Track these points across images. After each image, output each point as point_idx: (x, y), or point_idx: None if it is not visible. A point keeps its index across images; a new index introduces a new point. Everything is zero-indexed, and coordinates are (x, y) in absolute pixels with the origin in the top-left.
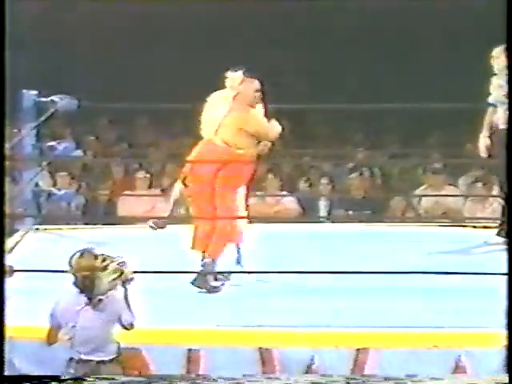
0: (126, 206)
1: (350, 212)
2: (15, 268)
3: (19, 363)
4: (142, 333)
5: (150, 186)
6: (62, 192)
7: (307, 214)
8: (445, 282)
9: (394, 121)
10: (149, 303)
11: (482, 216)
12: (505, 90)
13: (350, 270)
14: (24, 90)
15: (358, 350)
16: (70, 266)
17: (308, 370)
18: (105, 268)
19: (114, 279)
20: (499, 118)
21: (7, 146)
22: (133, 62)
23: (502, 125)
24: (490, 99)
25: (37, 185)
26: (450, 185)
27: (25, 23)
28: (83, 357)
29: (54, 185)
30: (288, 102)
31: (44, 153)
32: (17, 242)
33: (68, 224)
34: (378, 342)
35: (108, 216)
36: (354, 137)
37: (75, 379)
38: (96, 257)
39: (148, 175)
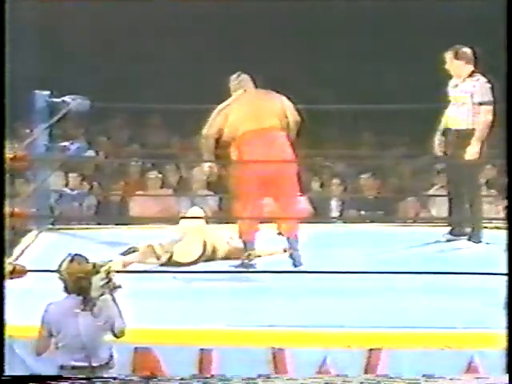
0: (138, 206)
1: (362, 212)
2: (28, 268)
3: (31, 362)
4: (154, 332)
5: (161, 186)
6: (75, 192)
7: (319, 214)
8: (458, 282)
9: (406, 121)
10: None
11: (498, 217)
12: (461, 89)
13: (354, 271)
14: (36, 91)
15: (370, 350)
16: (61, 271)
17: (320, 370)
18: (97, 272)
19: (105, 284)
20: (451, 117)
21: (20, 146)
22: (146, 62)
23: (450, 125)
24: (450, 98)
25: (49, 185)
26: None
27: (38, 24)
28: (76, 363)
29: (67, 185)
30: (300, 102)
31: (57, 153)
32: (30, 243)
33: (80, 224)
34: (390, 343)
35: (120, 216)
36: (366, 137)
37: (77, 379)
38: (87, 261)
39: (160, 175)
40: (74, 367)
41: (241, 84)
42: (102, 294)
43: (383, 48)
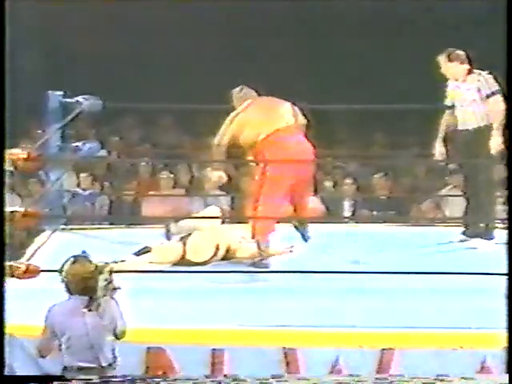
0: (150, 205)
1: (375, 212)
2: (41, 268)
3: (43, 362)
4: (166, 332)
5: (174, 186)
6: (87, 192)
7: (331, 213)
8: (472, 282)
9: (418, 121)
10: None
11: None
12: (465, 88)
13: (366, 271)
14: (49, 91)
15: (382, 350)
16: (64, 273)
17: (333, 370)
18: (100, 272)
19: (107, 284)
20: (458, 119)
21: (33, 146)
22: (158, 61)
23: (461, 125)
24: (447, 101)
25: (62, 185)
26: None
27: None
28: (83, 364)
29: (79, 185)
30: (312, 101)
31: (69, 153)
32: (43, 242)
33: (93, 224)
34: (403, 343)
35: (132, 216)
36: (378, 137)
37: (81, 380)
38: (89, 261)
39: (172, 175)
40: (80, 368)
41: (245, 97)
42: (104, 295)
43: (395, 47)
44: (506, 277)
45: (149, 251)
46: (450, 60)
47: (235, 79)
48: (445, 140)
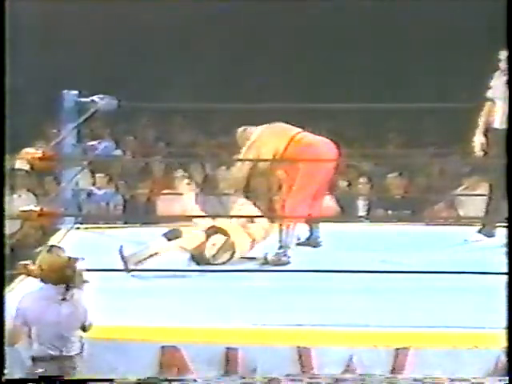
0: (164, 205)
1: (389, 212)
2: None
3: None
4: (180, 331)
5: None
6: (102, 191)
7: (345, 213)
8: (481, 281)
9: (433, 120)
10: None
11: None
12: (503, 87)
13: (379, 270)
14: (65, 91)
15: (397, 349)
16: (39, 261)
17: (347, 369)
18: (74, 263)
19: (78, 276)
20: (496, 115)
21: (49, 145)
22: (170, 61)
23: (497, 124)
24: (488, 94)
25: (77, 184)
26: None
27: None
28: (52, 353)
29: (94, 184)
30: (325, 101)
31: (84, 152)
32: (58, 241)
33: (108, 223)
34: (417, 342)
35: (147, 215)
36: (393, 137)
37: (82, 380)
38: (64, 252)
39: (186, 174)
40: (51, 357)
41: (250, 136)
42: (77, 285)
43: (409, 47)
44: (506, 276)
45: (179, 236)
46: (507, 55)
47: (248, 78)
48: (485, 134)
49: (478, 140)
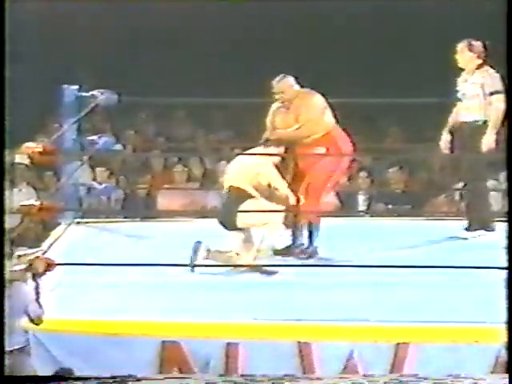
0: (165, 199)
1: (390, 206)
2: (57, 261)
3: (61, 357)
4: (180, 326)
5: (188, 180)
6: (103, 186)
7: (346, 207)
8: (486, 276)
9: (433, 115)
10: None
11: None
12: (471, 82)
13: (380, 265)
14: (65, 85)
15: (397, 344)
16: None
17: (347, 364)
18: (10, 256)
19: (21, 269)
20: (461, 111)
21: (49, 140)
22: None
23: (463, 117)
24: (458, 94)
25: (78, 179)
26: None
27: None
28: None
29: (94, 179)
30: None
31: (85, 147)
32: (58, 236)
33: (108, 218)
34: (417, 337)
35: (147, 209)
36: (393, 131)
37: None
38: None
39: (186, 169)
40: None
41: (285, 86)
42: (20, 279)
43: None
44: (506, 271)
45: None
46: (469, 50)
47: (248, 75)
48: (451, 132)
49: (444, 138)
